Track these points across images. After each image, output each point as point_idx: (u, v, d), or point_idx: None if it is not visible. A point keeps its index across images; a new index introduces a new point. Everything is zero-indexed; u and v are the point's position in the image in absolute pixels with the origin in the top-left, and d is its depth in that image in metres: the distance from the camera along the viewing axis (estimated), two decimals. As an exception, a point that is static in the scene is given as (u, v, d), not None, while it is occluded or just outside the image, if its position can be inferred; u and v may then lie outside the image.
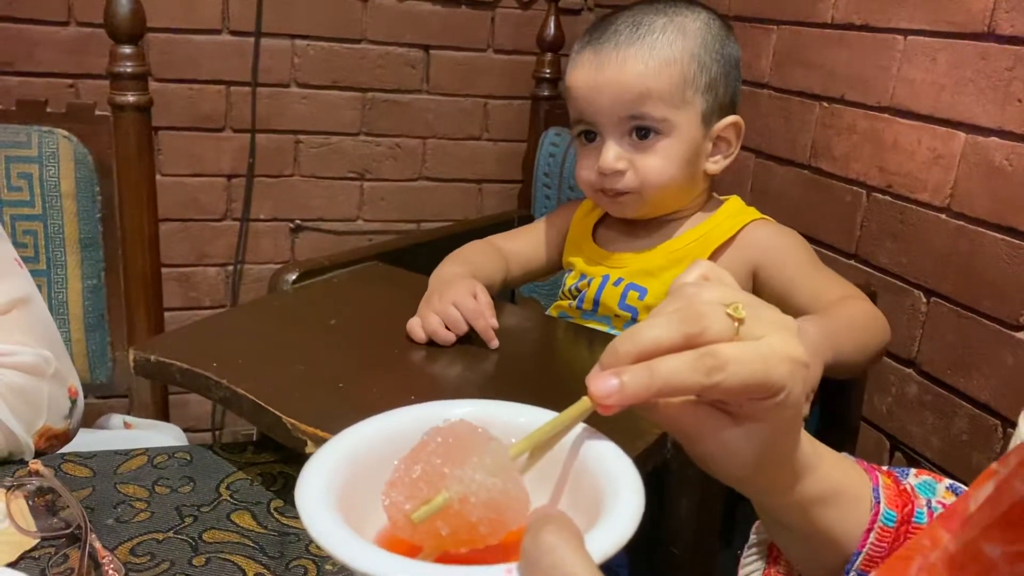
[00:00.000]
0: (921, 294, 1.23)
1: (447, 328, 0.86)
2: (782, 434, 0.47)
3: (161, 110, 1.77)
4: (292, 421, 0.71)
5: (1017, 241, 1.07)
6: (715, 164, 1.00)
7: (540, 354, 0.94)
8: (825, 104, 1.38)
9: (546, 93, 1.89)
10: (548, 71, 1.88)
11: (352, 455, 0.43)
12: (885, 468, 0.55)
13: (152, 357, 0.80)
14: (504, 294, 1.05)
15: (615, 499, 0.40)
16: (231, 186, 1.92)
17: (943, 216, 1.17)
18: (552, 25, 1.84)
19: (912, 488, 0.54)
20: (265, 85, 1.87)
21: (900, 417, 1.29)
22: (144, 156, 1.33)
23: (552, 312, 1.09)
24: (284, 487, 0.78)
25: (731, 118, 0.99)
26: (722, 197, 1.05)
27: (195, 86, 1.83)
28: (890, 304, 1.25)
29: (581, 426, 0.45)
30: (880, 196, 1.28)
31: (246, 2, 1.81)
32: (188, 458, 0.80)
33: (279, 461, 0.81)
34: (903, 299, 1.26)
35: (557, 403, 0.52)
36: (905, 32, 1.23)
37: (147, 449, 0.80)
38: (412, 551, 0.39)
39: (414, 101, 2.01)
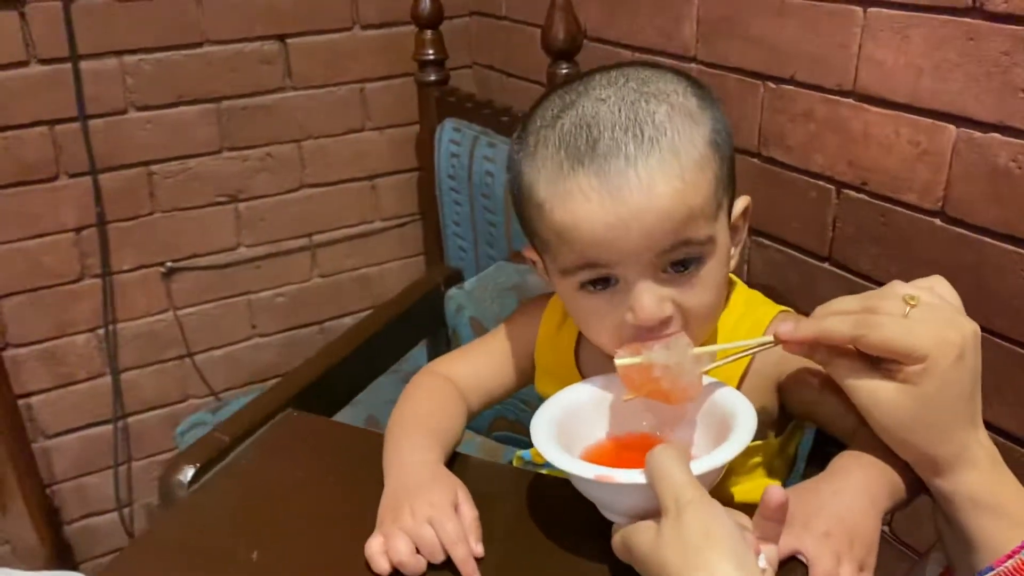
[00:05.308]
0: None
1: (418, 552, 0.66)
2: (931, 404, 0.57)
3: (-28, 173, 1.45)
4: None
5: (1031, 253, 0.93)
6: (733, 259, 0.75)
7: (531, 543, 0.71)
8: (771, 85, 1.19)
9: (433, 78, 1.64)
10: (431, 52, 1.62)
11: (562, 407, 0.71)
12: None
13: None
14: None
15: (728, 434, 0.62)
16: (81, 240, 1.62)
17: (937, 222, 1.02)
18: (426, -4, 1.57)
19: None
20: (97, 116, 1.56)
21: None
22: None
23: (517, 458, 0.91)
24: None
25: (743, 200, 0.75)
26: None
27: (9, 133, 1.50)
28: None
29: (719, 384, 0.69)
30: (854, 194, 1.11)
31: (52, 22, 1.47)
32: None
33: None
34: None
35: None
36: (863, 3, 1.04)
37: None
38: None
39: (279, 102, 1.72)
